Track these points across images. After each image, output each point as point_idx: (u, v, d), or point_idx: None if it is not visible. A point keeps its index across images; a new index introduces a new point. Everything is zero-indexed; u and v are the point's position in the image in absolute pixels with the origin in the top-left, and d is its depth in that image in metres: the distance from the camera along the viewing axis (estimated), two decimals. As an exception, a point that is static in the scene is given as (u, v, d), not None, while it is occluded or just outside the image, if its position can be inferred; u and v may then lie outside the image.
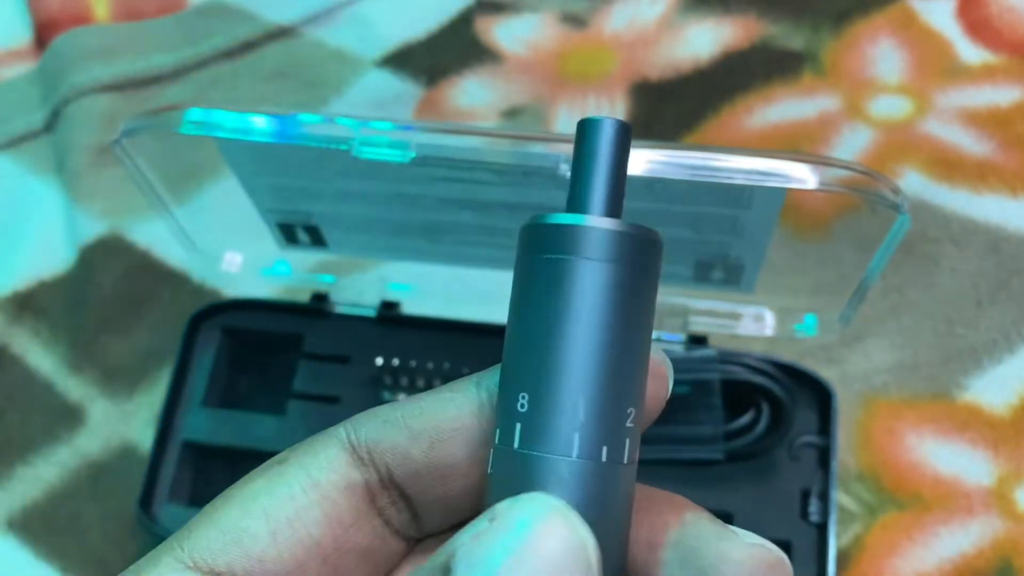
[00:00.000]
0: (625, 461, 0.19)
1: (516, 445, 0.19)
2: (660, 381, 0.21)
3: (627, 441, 0.19)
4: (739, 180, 0.34)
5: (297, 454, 0.21)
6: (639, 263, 0.19)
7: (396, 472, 0.21)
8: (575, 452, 0.18)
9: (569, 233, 0.19)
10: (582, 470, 0.18)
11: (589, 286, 0.18)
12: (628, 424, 0.19)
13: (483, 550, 0.17)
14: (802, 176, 0.34)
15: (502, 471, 0.19)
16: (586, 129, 0.20)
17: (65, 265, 0.55)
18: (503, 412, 0.19)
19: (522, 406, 0.19)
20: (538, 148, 0.35)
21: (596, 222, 0.19)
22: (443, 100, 0.58)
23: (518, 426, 0.19)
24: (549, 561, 0.16)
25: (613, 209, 0.19)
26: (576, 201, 0.19)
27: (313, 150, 0.38)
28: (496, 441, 0.19)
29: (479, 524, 0.17)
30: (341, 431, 0.21)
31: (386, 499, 0.21)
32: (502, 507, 0.17)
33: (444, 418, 0.21)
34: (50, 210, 0.57)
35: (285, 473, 0.21)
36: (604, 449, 0.18)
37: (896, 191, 0.35)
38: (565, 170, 0.34)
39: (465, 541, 0.17)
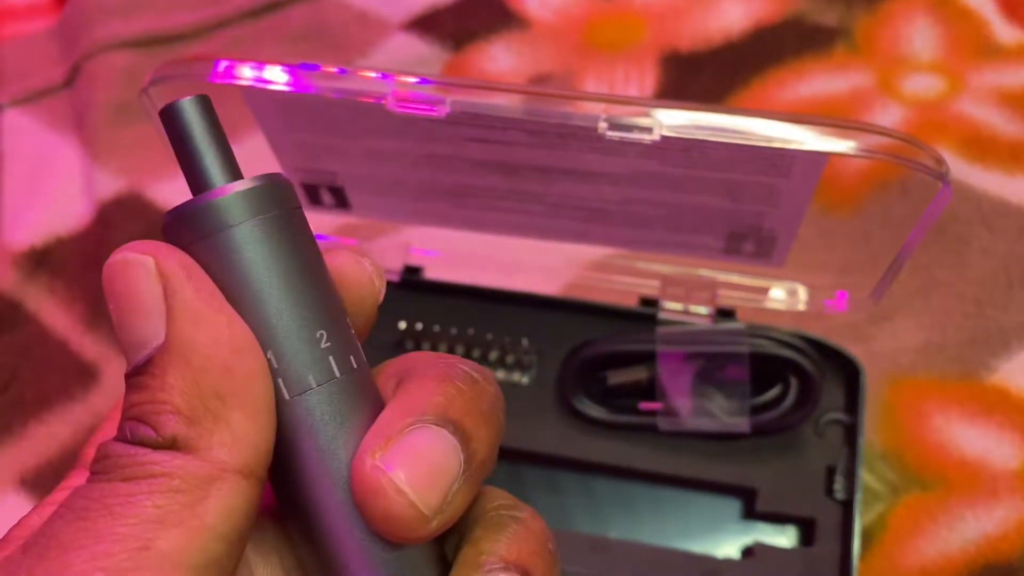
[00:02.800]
0: (337, 375, 0.21)
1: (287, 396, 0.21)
2: (363, 290, 0.23)
3: (330, 359, 0.21)
4: (780, 144, 0.34)
5: None
6: (274, 210, 0.20)
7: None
8: (291, 392, 0.21)
9: (196, 215, 0.20)
10: (310, 400, 0.21)
11: (235, 252, 0.20)
12: (324, 345, 0.21)
13: None
14: (844, 141, 0.33)
15: (288, 419, 0.21)
16: (170, 115, 0.21)
17: (82, 222, 0.55)
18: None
19: (273, 362, 0.21)
20: (576, 108, 0.34)
21: (215, 194, 0.20)
22: (469, 65, 0.57)
23: (280, 380, 0.21)
24: None
25: (232, 174, 0.21)
26: (197, 181, 0.21)
27: (343, 105, 0.37)
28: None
29: None
30: None
31: None
32: None
33: None
34: (68, 166, 0.56)
35: None
36: (309, 377, 0.20)
37: (939, 160, 0.34)
38: (605, 128, 0.34)
39: None
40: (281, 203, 0.21)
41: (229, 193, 0.20)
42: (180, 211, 0.20)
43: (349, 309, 0.23)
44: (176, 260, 0.20)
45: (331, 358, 0.21)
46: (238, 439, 0.20)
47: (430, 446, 0.20)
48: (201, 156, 0.21)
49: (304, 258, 0.21)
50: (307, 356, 0.20)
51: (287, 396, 0.20)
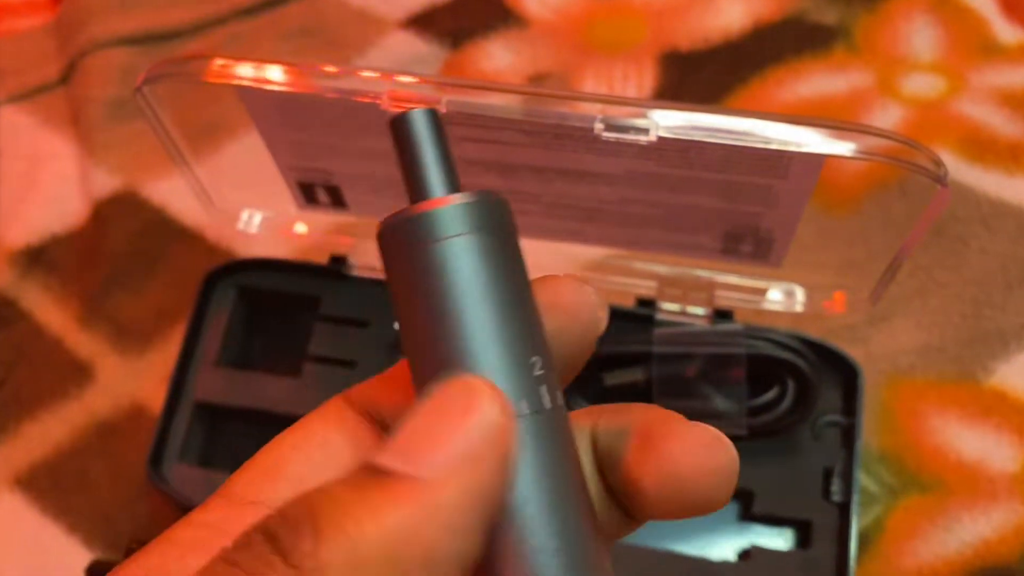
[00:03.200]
0: (547, 406, 0.19)
1: None
2: (581, 320, 0.21)
3: (543, 388, 0.19)
4: (778, 145, 0.33)
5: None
6: (490, 226, 0.19)
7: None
8: None
9: (419, 221, 0.19)
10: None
11: (453, 264, 0.19)
12: (536, 372, 0.19)
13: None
14: (842, 143, 0.33)
15: None
16: (402, 124, 0.20)
17: (78, 220, 0.55)
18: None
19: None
20: (573, 108, 0.34)
21: (439, 203, 0.19)
22: (467, 64, 0.57)
23: None
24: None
25: (453, 186, 0.20)
26: (418, 191, 0.20)
27: (338, 104, 0.37)
28: None
29: None
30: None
31: None
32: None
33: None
34: (64, 163, 0.56)
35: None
36: (522, 404, 0.19)
37: (938, 163, 0.34)
38: (601, 129, 0.33)
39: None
40: (505, 221, 0.20)
41: (462, 202, 0.19)
42: (405, 215, 0.19)
43: (563, 340, 0.21)
44: (504, 423, 0.17)
45: (543, 388, 0.19)
46: None
47: None
48: (430, 166, 0.20)
49: (521, 280, 0.20)
50: (521, 381, 0.19)
51: None
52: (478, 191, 0.20)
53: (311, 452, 0.21)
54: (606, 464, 0.21)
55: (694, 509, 0.20)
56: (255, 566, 0.16)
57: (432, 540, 0.16)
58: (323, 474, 0.20)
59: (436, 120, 0.20)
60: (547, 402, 0.19)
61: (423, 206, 0.19)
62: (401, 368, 0.22)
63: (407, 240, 0.19)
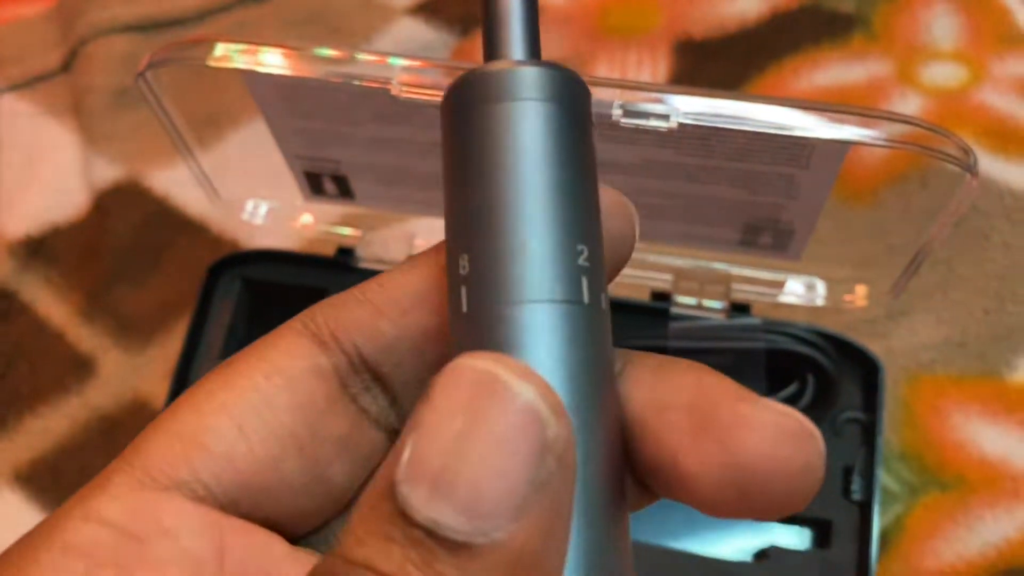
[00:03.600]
0: (585, 300, 0.17)
1: (464, 308, 0.17)
2: (624, 220, 0.19)
3: (583, 279, 0.17)
4: (801, 133, 0.32)
5: (251, 348, 0.19)
6: (566, 101, 0.18)
7: (366, 350, 0.19)
8: (522, 295, 0.16)
9: (498, 79, 0.18)
10: (532, 314, 0.16)
11: (518, 129, 0.17)
12: (581, 262, 0.17)
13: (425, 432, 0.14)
14: (867, 131, 0.32)
15: (459, 340, 0.17)
16: None
17: (79, 210, 0.54)
18: (451, 278, 0.18)
19: (463, 268, 0.17)
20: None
21: (520, 64, 0.18)
22: (476, 51, 0.56)
23: (463, 289, 0.17)
24: (494, 430, 0.14)
25: (534, 52, 0.19)
26: (495, 49, 0.19)
27: (347, 90, 0.36)
28: (449, 311, 0.18)
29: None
30: (297, 320, 0.19)
31: (359, 384, 0.19)
32: (439, 381, 0.14)
33: (407, 289, 0.19)
34: (65, 153, 0.55)
35: (239, 365, 0.18)
36: (556, 288, 0.16)
37: (967, 150, 0.33)
38: (620, 115, 0.32)
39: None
40: (582, 100, 0.19)
41: (543, 69, 0.18)
42: (482, 70, 0.18)
43: (610, 232, 0.19)
44: (568, 434, 0.14)
45: (585, 279, 0.17)
46: None
47: None
48: (515, 25, 0.19)
49: (587, 164, 0.18)
50: (559, 266, 0.17)
51: (521, 300, 0.16)
52: (560, 64, 0.19)
53: (246, 417, 0.18)
54: (637, 431, 0.17)
55: (763, 511, 0.16)
56: None
57: None
58: (265, 449, 0.18)
59: None
60: (586, 296, 0.17)
61: (503, 64, 0.18)
62: (392, 281, 0.19)
63: (477, 96, 0.18)
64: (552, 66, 0.18)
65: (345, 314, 0.19)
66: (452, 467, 0.13)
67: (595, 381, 0.17)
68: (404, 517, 0.13)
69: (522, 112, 0.18)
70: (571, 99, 0.18)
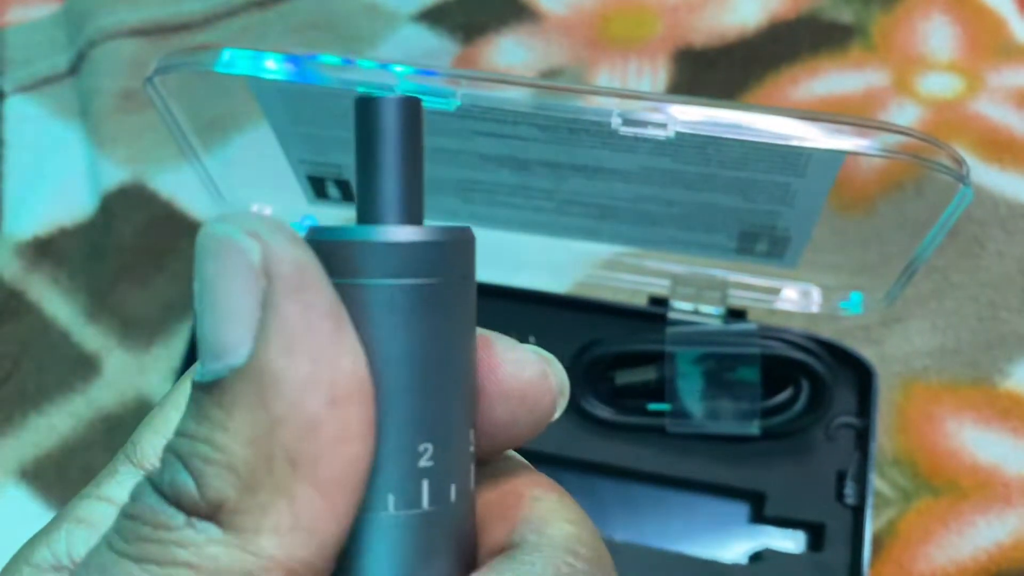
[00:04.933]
0: (425, 507, 0.16)
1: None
2: (538, 412, 0.19)
3: (424, 484, 0.16)
4: (798, 142, 0.33)
5: None
6: (437, 273, 0.16)
7: None
8: (368, 503, 0.16)
9: (355, 250, 0.16)
10: (371, 525, 0.16)
11: (377, 313, 0.16)
12: (423, 464, 0.16)
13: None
14: (862, 140, 0.33)
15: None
16: (365, 112, 0.16)
17: (86, 212, 0.54)
18: None
19: None
20: (590, 102, 0.34)
21: (383, 234, 0.16)
22: (479, 58, 0.56)
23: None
24: (205, 276, 0.15)
25: (409, 213, 0.16)
26: (364, 209, 0.17)
27: (351, 96, 0.36)
28: None
29: None
30: None
31: None
32: None
33: None
34: (72, 155, 0.56)
35: None
36: (390, 499, 0.16)
37: (960, 161, 0.33)
38: (619, 124, 0.33)
39: None
40: (459, 268, 0.17)
41: (410, 240, 0.16)
42: (340, 236, 0.16)
43: (512, 425, 0.18)
44: (291, 260, 0.15)
45: (425, 482, 0.16)
46: (299, 525, 0.15)
47: None
48: (388, 178, 0.16)
49: (456, 341, 0.17)
50: (397, 471, 0.16)
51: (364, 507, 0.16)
52: (439, 227, 0.16)
53: None
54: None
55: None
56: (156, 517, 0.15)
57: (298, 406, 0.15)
58: None
59: (414, 114, 0.16)
60: (426, 501, 0.16)
61: (363, 232, 0.16)
62: None
63: (338, 263, 0.16)
64: (429, 235, 0.16)
65: None
66: (200, 323, 0.15)
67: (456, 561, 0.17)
68: (193, 384, 0.15)
69: (392, 299, 0.16)
70: (454, 270, 0.16)
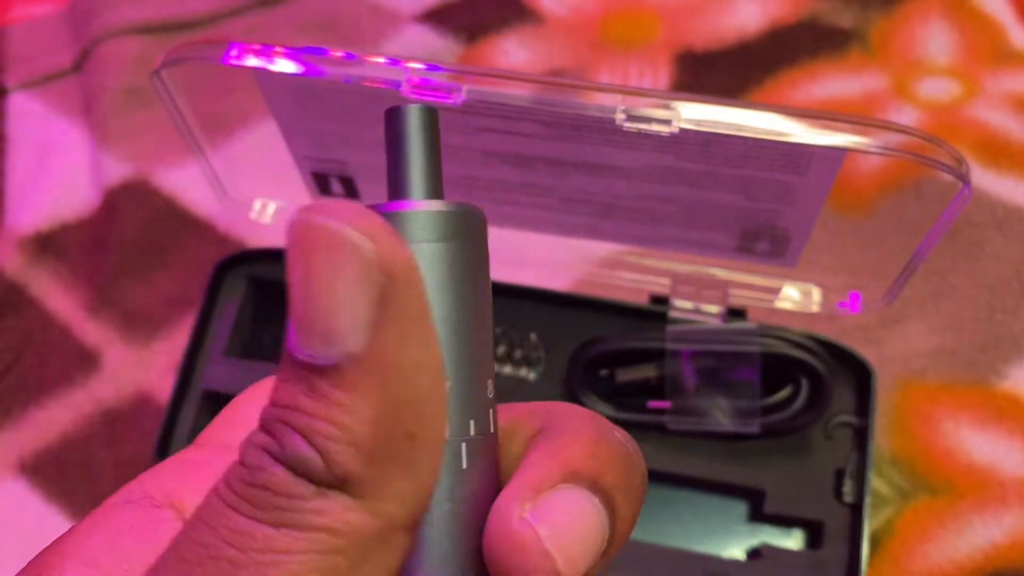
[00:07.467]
0: (492, 430, 0.19)
1: None
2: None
3: (490, 412, 0.19)
4: (799, 140, 0.33)
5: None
6: (461, 239, 0.19)
7: None
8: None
9: (391, 220, 0.18)
10: (458, 449, 0.19)
11: (441, 267, 0.19)
12: (491, 395, 0.19)
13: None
14: (863, 139, 0.33)
15: None
16: (395, 117, 0.20)
17: (88, 207, 0.54)
18: None
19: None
20: (594, 99, 0.34)
21: (416, 205, 0.19)
22: (482, 59, 0.57)
23: None
24: (322, 266, 0.16)
25: (434, 191, 0.20)
26: (397, 189, 0.20)
27: (356, 92, 0.36)
28: None
29: None
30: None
31: None
32: None
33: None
34: (75, 151, 0.56)
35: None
36: (471, 423, 0.19)
37: (960, 160, 0.33)
38: (623, 120, 0.33)
39: None
40: (477, 236, 0.20)
41: (439, 210, 0.19)
42: (387, 209, 0.19)
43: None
44: (403, 259, 0.16)
45: (491, 411, 0.19)
46: (416, 488, 0.17)
47: (582, 513, 0.18)
48: (415, 167, 0.20)
49: (486, 298, 0.20)
50: (477, 403, 0.19)
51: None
52: (457, 202, 0.19)
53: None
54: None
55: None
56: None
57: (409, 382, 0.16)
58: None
59: (433, 119, 0.20)
60: (492, 426, 0.19)
61: (399, 205, 0.19)
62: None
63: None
64: (450, 207, 0.19)
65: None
66: (308, 309, 0.16)
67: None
68: (293, 361, 0.16)
69: (418, 256, 0.18)
70: (466, 235, 0.19)
